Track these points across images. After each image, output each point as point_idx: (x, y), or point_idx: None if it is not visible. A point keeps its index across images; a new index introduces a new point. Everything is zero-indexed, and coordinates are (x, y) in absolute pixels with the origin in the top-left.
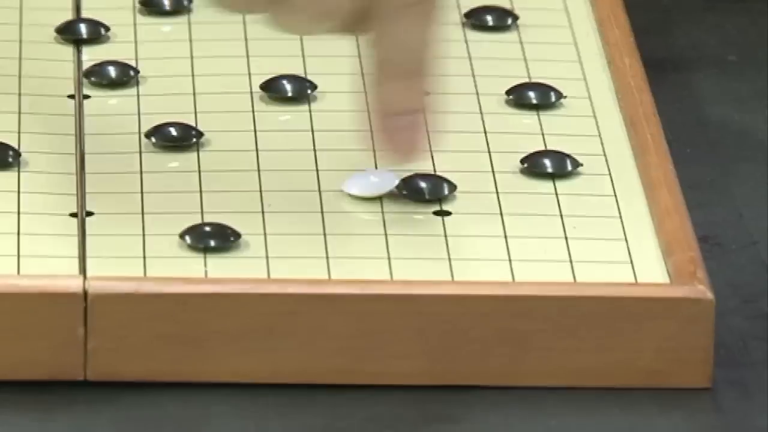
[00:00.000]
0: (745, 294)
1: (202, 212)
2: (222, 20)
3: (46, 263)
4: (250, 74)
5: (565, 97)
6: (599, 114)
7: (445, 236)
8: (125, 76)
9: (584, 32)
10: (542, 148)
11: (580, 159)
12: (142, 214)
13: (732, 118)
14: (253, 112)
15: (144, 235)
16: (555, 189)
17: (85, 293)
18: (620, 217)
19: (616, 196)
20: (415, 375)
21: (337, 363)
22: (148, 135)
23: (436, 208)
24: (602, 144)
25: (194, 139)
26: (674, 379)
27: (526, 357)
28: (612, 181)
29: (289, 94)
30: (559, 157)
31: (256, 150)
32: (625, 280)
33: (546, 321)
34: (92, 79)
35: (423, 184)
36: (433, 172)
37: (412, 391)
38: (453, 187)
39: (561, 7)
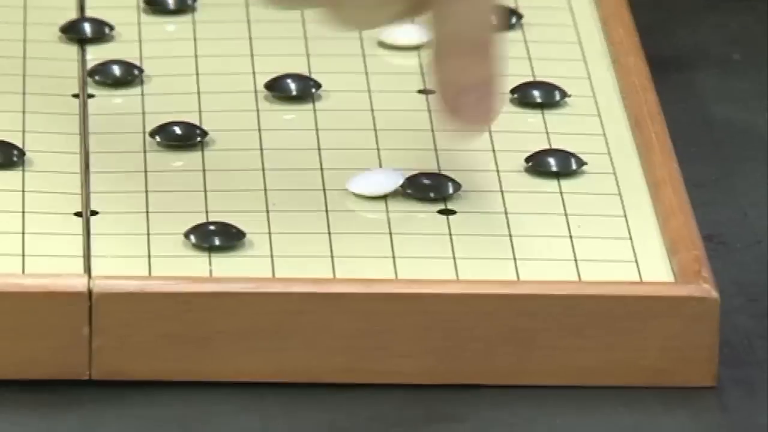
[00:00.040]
0: (749, 292)
1: (206, 211)
2: (226, 19)
3: (50, 262)
4: (254, 73)
5: (570, 96)
6: (604, 113)
7: (450, 235)
8: (130, 75)
9: (589, 31)
10: (547, 147)
11: (584, 158)
12: (147, 213)
13: (736, 116)
14: (257, 111)
15: (149, 234)
16: (560, 188)
17: (90, 292)
18: (625, 215)
19: (620, 194)
20: (420, 374)
21: (341, 362)
22: (152, 134)
23: (441, 207)
24: (607, 143)
25: (199, 138)
26: (679, 378)
27: (530, 356)
28: (616, 179)
29: (294, 93)
30: (563, 156)
31: (261, 149)
32: (629, 278)
33: (551, 320)
34: (96, 78)
35: (427, 183)
36: (437, 171)
37: (416, 390)
38: (457, 186)
39: (565, 6)
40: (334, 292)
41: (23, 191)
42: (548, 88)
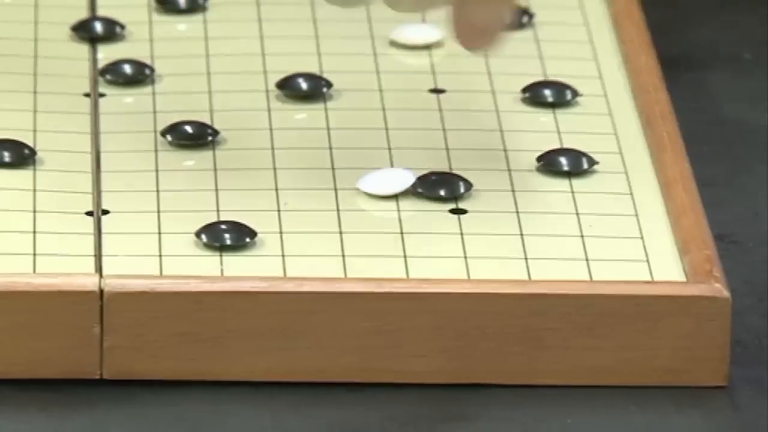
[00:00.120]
0: (761, 292)
1: (218, 210)
2: (238, 18)
3: (62, 262)
4: (265, 72)
5: (581, 95)
6: (615, 112)
7: (461, 234)
8: (141, 75)
9: (600, 30)
10: (558, 146)
11: (596, 157)
12: (158, 212)
13: (748, 115)
14: (268, 110)
15: (160, 233)
16: (571, 187)
17: (101, 292)
18: (636, 215)
19: (632, 194)
20: (431, 373)
21: (353, 361)
22: (163, 133)
23: (452, 206)
24: (618, 142)
25: (210, 138)
26: (691, 378)
27: (542, 355)
28: (628, 179)
29: (305, 92)
30: (575, 155)
31: (272, 148)
32: (641, 278)
33: (562, 319)
34: (108, 77)
35: (439, 182)
36: (449, 171)
37: (428, 390)
38: (469, 185)
39: (577, 5)
40: (345, 292)
41: (34, 190)
42: (560, 88)
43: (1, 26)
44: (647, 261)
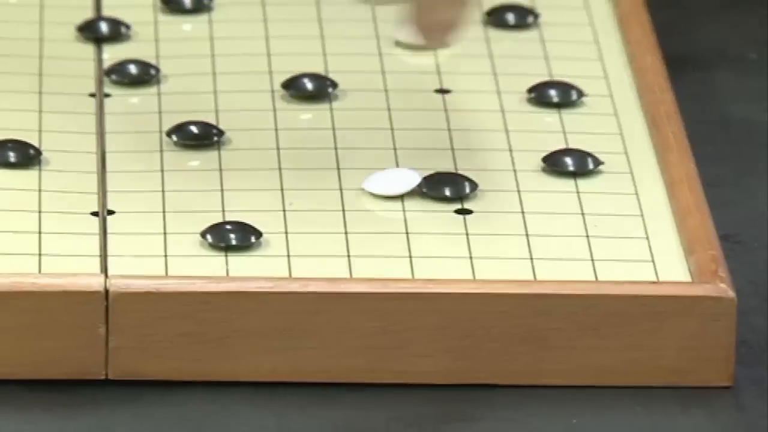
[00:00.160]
0: (766, 292)
1: (223, 211)
2: (243, 18)
3: (67, 262)
4: (271, 72)
5: (587, 95)
6: (621, 112)
7: (467, 235)
8: (146, 75)
9: (605, 30)
10: (564, 146)
11: (601, 157)
12: (164, 212)
13: (754, 115)
14: (274, 110)
15: (165, 233)
16: (576, 187)
17: (107, 292)
18: (642, 215)
19: (637, 194)
20: (437, 373)
21: (358, 361)
22: (169, 133)
23: (458, 206)
24: (624, 142)
25: (215, 138)
26: (696, 378)
27: (547, 355)
28: (633, 179)
29: (311, 93)
30: (580, 155)
31: (278, 148)
32: (646, 278)
33: (567, 319)
34: (113, 77)
35: (444, 183)
36: (454, 171)
37: (433, 390)
38: (474, 185)
39: (582, 5)
40: (350, 292)
41: (40, 191)
42: (565, 88)
43: (7, 26)
44: (652, 261)
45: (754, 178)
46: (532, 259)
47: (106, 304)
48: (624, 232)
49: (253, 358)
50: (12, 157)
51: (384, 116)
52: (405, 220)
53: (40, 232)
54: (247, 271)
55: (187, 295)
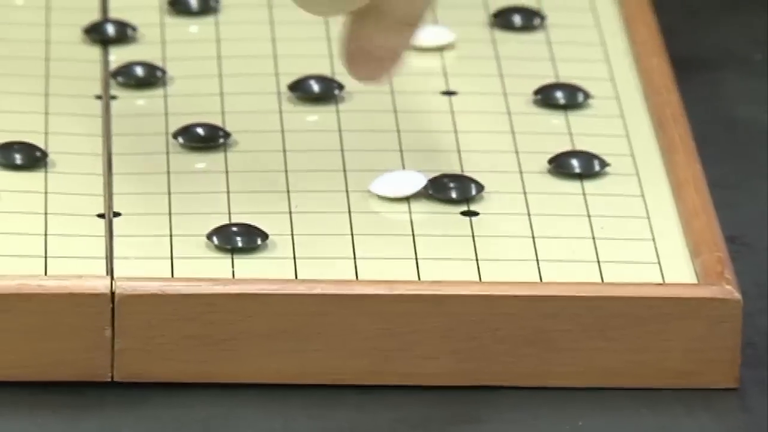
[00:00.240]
0: None
1: (229, 213)
2: (249, 20)
3: (73, 264)
4: (277, 74)
5: (593, 97)
6: (627, 114)
7: (473, 236)
8: (152, 77)
9: (612, 32)
10: (570, 148)
11: (607, 159)
12: (170, 214)
13: (760, 117)
14: (280, 112)
15: (171, 235)
16: (582, 189)
17: (113, 294)
18: (648, 217)
19: (643, 196)
20: (443, 375)
21: (364, 363)
22: (175, 135)
23: (464, 208)
24: (630, 144)
25: (221, 140)
26: (701, 380)
27: (553, 357)
28: (639, 181)
29: (317, 95)
30: (586, 157)
31: (284, 150)
32: (652, 280)
33: (573, 321)
34: (119, 79)
35: (450, 185)
36: (460, 173)
37: (439, 392)
38: (480, 187)
39: (588, 7)
40: (356, 294)
41: (46, 193)
42: (571, 90)
43: (13, 28)
44: (658, 263)
45: (760, 180)
46: (538, 260)
47: (112, 306)
48: (630, 234)
49: (258, 360)
50: (18, 159)
51: (390, 118)
52: (411, 222)
53: (46, 234)
54: (253, 273)
55: (192, 297)
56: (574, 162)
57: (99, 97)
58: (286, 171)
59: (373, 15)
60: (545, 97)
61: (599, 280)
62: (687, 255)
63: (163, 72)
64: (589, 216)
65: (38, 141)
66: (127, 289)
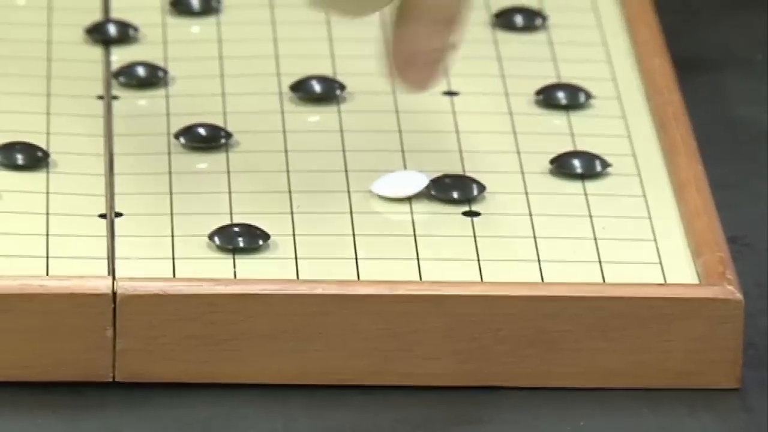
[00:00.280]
0: None
1: (231, 213)
2: (251, 20)
3: (75, 264)
4: (279, 74)
5: (595, 97)
6: (628, 114)
7: (474, 237)
8: (154, 77)
9: (613, 32)
10: (571, 148)
11: (609, 159)
12: (171, 215)
13: (761, 118)
14: (282, 112)
15: (173, 236)
16: (584, 189)
17: (114, 294)
18: (649, 217)
19: (645, 196)
20: (444, 376)
21: (365, 364)
22: (177, 136)
23: (465, 208)
24: (631, 144)
25: (223, 140)
26: (703, 380)
27: (555, 358)
28: (641, 181)
29: (319, 95)
30: (588, 157)
31: (285, 151)
32: (654, 280)
33: (575, 322)
34: (121, 79)
35: (452, 185)
36: (462, 173)
37: (441, 392)
38: (482, 187)
39: (590, 7)
40: (358, 294)
41: (47, 193)
42: (573, 90)
43: (15, 29)
44: (660, 263)
45: (761, 180)
46: (539, 261)
47: (113, 307)
48: (631, 234)
49: (260, 361)
50: (20, 159)
51: (392, 118)
52: (413, 223)
53: (47, 235)
54: (254, 273)
55: (194, 297)
56: (576, 162)
57: (101, 98)
58: (287, 171)
59: (412, 16)
60: (547, 97)
61: (601, 281)
62: (688, 255)
63: (165, 72)
64: (590, 216)
65: (40, 141)
66: (129, 289)
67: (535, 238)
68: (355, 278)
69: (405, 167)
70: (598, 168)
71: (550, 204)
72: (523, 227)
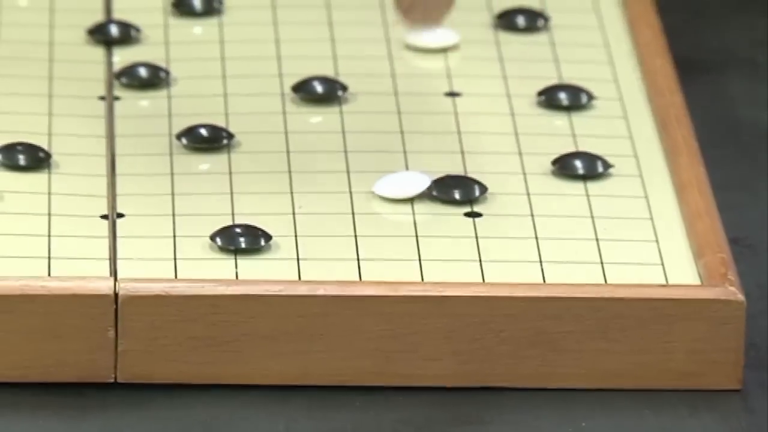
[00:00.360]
0: None
1: (232, 214)
2: (253, 21)
3: (76, 265)
4: (281, 75)
5: (596, 98)
6: (630, 115)
7: (476, 238)
8: (156, 78)
9: (615, 33)
10: (573, 149)
11: (611, 160)
12: (173, 215)
13: (763, 119)
14: (284, 113)
15: (175, 236)
16: (586, 190)
17: (116, 295)
18: (651, 218)
19: (647, 197)
20: (446, 377)
21: (367, 364)
22: (179, 136)
23: (467, 209)
24: (633, 145)
25: (225, 141)
26: (705, 381)
27: (556, 359)
28: (643, 182)
29: (321, 96)
30: (590, 158)
31: (287, 151)
32: (655, 281)
33: (577, 322)
34: (123, 80)
35: (454, 186)
36: (464, 174)
37: (442, 393)
38: (484, 188)
39: (592, 8)
40: (360, 295)
41: (49, 194)
42: (575, 91)
43: (17, 30)
44: (662, 264)
45: (763, 181)
46: (541, 262)
47: (115, 308)
48: (633, 235)
49: (262, 362)
50: (22, 160)
51: (394, 119)
52: (414, 223)
53: (49, 235)
54: (256, 274)
55: (196, 298)
56: (578, 163)
57: (102, 98)
58: (289, 172)
59: None
60: (549, 98)
61: (602, 282)
62: (690, 256)
63: (167, 73)
64: (592, 217)
65: (42, 142)
66: (131, 290)
67: (536, 238)
68: (357, 279)
69: (407, 168)
70: (600, 169)
71: (551, 205)
72: (525, 228)
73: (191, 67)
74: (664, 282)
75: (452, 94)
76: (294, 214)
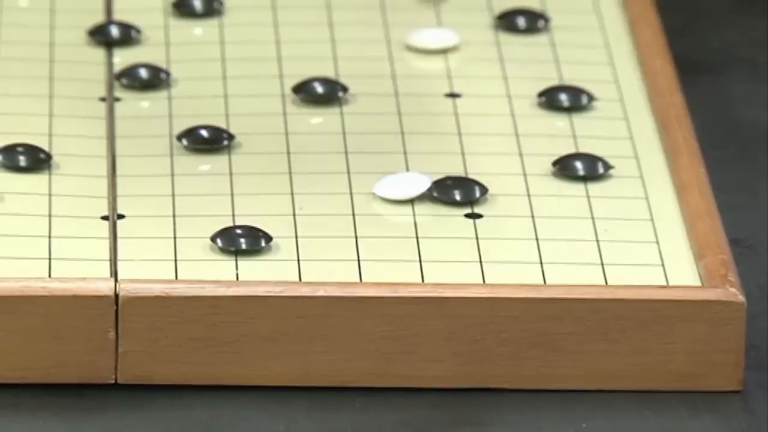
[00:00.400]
0: None
1: (233, 215)
2: (254, 22)
3: (77, 266)
4: (281, 76)
5: (597, 99)
6: (631, 116)
7: (477, 239)
8: (156, 79)
9: (616, 34)
10: (574, 150)
11: (611, 161)
12: (174, 216)
13: (763, 119)
14: (284, 114)
15: (175, 238)
16: (586, 191)
17: (117, 296)
18: (651, 219)
19: (647, 198)
20: (446, 378)
21: (368, 366)
22: (179, 137)
23: (468, 210)
24: (634, 146)
25: (225, 142)
26: (705, 382)
27: (557, 360)
28: (643, 183)
29: (321, 97)
30: (590, 159)
31: (288, 152)
32: (656, 282)
33: (577, 323)
34: (124, 81)
35: (454, 187)
36: (464, 175)
37: (443, 394)
38: (484, 189)
39: (592, 9)
40: (360, 296)
41: (50, 195)
42: (575, 92)
43: (18, 30)
44: (662, 265)
45: (764, 182)
46: (542, 263)
47: (115, 309)
48: (634, 237)
49: (262, 363)
50: (22, 161)
51: (394, 120)
52: (415, 224)
53: (50, 236)
54: (256, 275)
55: (196, 299)
56: (578, 164)
57: (103, 99)
58: (290, 173)
59: None
60: (549, 99)
61: (603, 283)
62: (691, 257)
63: (167, 74)
64: (592, 218)
65: (42, 143)
66: (131, 291)
67: (537, 240)
68: (358, 280)
69: (407, 169)
70: (601, 170)
71: (552, 206)
72: (526, 229)
73: (192, 68)
74: (664, 283)
75: (453, 95)
76: (294, 215)
